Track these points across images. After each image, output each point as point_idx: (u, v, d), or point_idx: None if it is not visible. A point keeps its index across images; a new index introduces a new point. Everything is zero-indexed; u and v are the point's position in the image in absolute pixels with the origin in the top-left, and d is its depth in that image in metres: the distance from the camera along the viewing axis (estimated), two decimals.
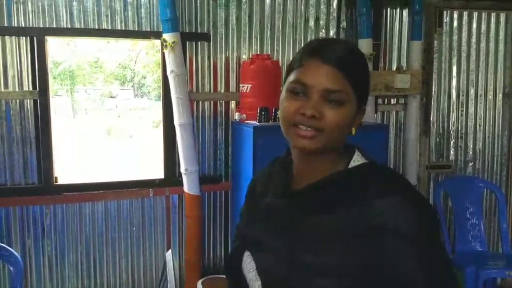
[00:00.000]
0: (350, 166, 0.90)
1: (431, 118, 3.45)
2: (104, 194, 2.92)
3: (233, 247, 1.10)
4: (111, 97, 14.31)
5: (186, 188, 2.94)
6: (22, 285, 2.04)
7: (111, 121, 12.47)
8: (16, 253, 2.01)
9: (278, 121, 2.83)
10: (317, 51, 0.87)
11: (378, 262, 0.79)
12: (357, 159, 0.91)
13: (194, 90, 2.99)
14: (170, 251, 1.58)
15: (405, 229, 0.79)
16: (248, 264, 1.01)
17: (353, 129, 0.90)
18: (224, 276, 3.03)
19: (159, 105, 3.08)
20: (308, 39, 3.13)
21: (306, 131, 0.85)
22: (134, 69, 12.71)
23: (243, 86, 2.85)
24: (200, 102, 3.03)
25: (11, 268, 2.01)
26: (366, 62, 0.93)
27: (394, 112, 3.40)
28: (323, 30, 3.16)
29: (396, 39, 3.33)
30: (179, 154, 2.91)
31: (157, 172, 3.13)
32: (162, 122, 3.08)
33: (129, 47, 10.90)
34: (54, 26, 2.71)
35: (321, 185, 0.89)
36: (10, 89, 2.69)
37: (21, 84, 2.70)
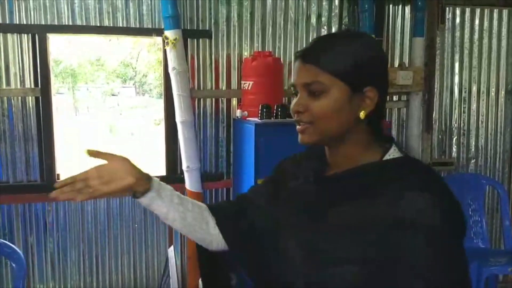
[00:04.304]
0: (384, 159, 0.91)
1: (434, 115, 3.43)
2: None
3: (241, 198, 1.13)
4: (113, 95, 14.31)
5: (188, 185, 2.93)
6: (24, 282, 2.04)
7: (113, 119, 12.48)
8: (18, 250, 2.01)
9: (280, 118, 2.83)
10: (297, 52, 0.93)
11: (397, 255, 0.79)
12: (392, 153, 0.92)
13: (196, 87, 2.99)
14: (172, 247, 1.58)
15: (428, 225, 0.79)
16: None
17: (361, 113, 0.88)
18: None
19: (160, 103, 3.08)
20: (310, 36, 3.13)
21: (299, 126, 0.91)
22: (135, 67, 12.71)
23: (244, 83, 2.85)
24: (201, 100, 3.03)
25: (14, 265, 2.01)
26: (355, 44, 0.89)
27: (396, 109, 3.40)
28: (325, 27, 3.15)
29: (398, 36, 3.32)
30: (180, 152, 2.91)
31: (159, 169, 3.13)
32: (163, 120, 3.08)
33: (131, 45, 10.90)
34: (56, 23, 2.71)
35: (353, 174, 0.90)
36: (12, 86, 2.69)
37: (23, 81, 2.70)
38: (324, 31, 3.14)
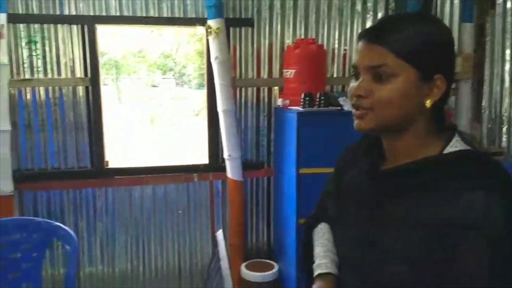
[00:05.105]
0: (445, 151, 0.84)
1: (483, 103, 3.31)
2: (152, 178, 3.00)
3: (312, 213, 1.14)
4: (154, 86, 14.59)
5: (229, 173, 2.97)
6: (78, 263, 2.13)
7: (153, 110, 12.73)
8: (71, 232, 2.08)
9: (323, 106, 2.78)
10: (363, 31, 0.87)
11: (453, 256, 0.76)
12: (454, 145, 0.84)
13: (238, 76, 3.00)
14: (220, 231, 1.62)
15: (490, 228, 0.74)
16: (320, 239, 1.04)
17: (427, 102, 0.83)
18: (267, 260, 3.06)
19: (199, 94, 3.13)
20: (355, 23, 3.07)
21: (357, 111, 0.85)
22: (175, 59, 12.89)
23: (286, 72, 2.83)
24: (243, 89, 3.04)
25: (67, 247, 2.09)
26: (428, 27, 0.84)
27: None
28: (371, 13, 3.07)
29: (446, 22, 3.18)
30: (222, 140, 2.94)
31: (201, 158, 3.18)
32: (206, 109, 3.12)
33: (171, 36, 11.04)
34: (104, 14, 2.78)
35: (410, 169, 0.85)
36: (63, 76, 2.79)
37: (73, 71, 2.80)
38: (369, 17, 3.06)
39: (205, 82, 3.06)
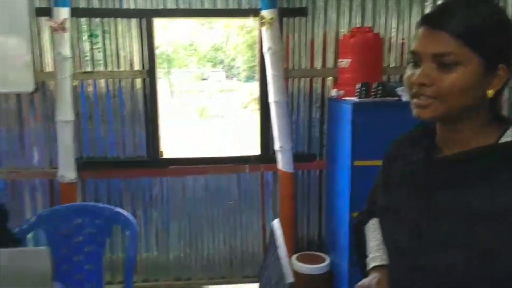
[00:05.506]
0: (501, 140, 0.83)
1: None
2: (205, 169, 3.06)
3: (362, 210, 1.13)
4: (203, 79, 14.81)
5: (280, 165, 2.96)
6: (137, 248, 2.20)
7: (203, 102, 12.95)
8: (131, 218, 2.17)
9: (379, 97, 2.69)
10: (424, 17, 0.85)
11: (510, 246, 0.74)
12: (510, 135, 0.83)
13: (290, 67, 2.98)
14: (277, 220, 1.63)
15: None
16: (372, 233, 1.02)
17: (490, 91, 0.81)
18: (318, 253, 3.02)
19: (248, 86, 3.13)
20: (413, 11, 2.95)
21: (419, 100, 0.83)
22: (225, 51, 13.00)
23: (341, 61, 2.77)
24: (295, 79, 3.01)
25: (127, 232, 2.17)
26: (492, 13, 0.81)
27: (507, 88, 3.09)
28: (430, 1, 2.93)
29: (510, 9, 3.00)
30: (273, 132, 2.93)
31: (251, 150, 3.19)
32: (255, 101, 3.12)
33: (221, 29, 11.13)
34: (161, 8, 2.84)
35: (466, 157, 0.83)
36: (122, 68, 2.89)
37: (131, 64, 2.89)
38: (428, 5, 2.93)
39: (257, 73, 3.06)
